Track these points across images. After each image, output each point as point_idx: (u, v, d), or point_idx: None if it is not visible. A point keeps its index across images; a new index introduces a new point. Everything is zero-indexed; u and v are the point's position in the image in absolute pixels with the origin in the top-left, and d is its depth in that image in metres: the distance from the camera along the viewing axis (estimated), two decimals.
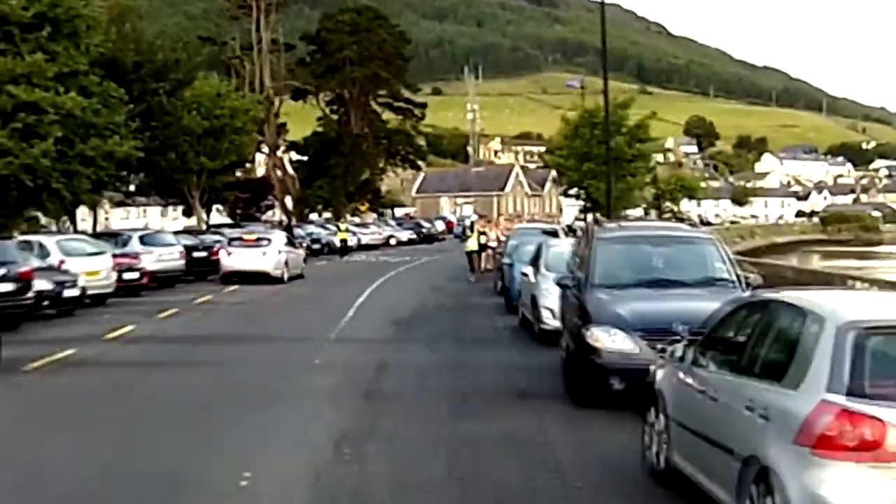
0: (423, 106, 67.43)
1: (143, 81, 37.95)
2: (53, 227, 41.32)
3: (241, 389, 12.04)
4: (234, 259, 28.76)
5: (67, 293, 20.54)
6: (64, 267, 21.71)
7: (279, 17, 64.01)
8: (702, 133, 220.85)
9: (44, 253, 22.20)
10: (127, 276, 24.71)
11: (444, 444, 8.94)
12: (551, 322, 14.95)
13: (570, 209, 71.33)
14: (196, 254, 30.32)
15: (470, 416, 10.21)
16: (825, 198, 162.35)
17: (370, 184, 65.72)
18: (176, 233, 33.44)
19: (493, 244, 31.35)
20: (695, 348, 7.12)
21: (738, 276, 11.12)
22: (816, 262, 68.87)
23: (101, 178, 32.20)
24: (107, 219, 65.46)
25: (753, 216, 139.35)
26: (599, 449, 8.70)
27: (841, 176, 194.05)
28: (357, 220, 66.34)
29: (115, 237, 27.98)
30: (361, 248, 53.21)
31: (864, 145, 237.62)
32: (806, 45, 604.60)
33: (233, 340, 16.92)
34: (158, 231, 33.02)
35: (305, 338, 16.86)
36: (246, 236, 30.08)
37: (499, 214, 51.68)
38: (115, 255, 24.34)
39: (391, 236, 62.10)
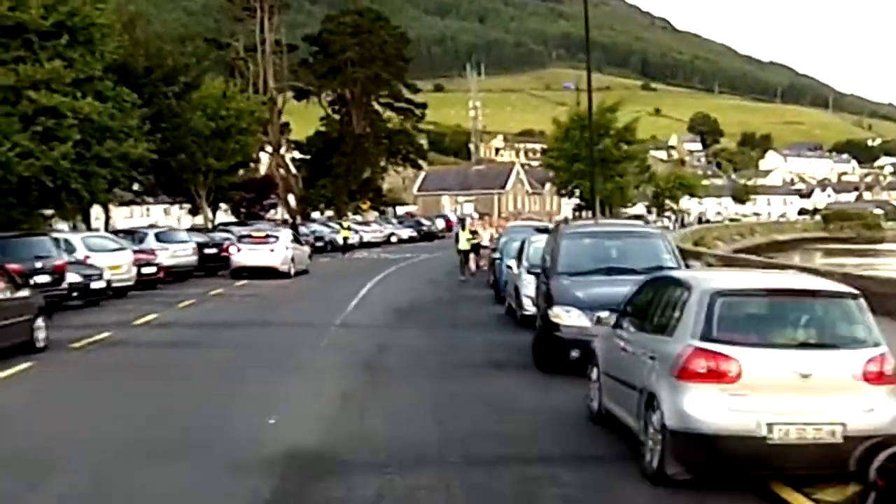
0: (424, 106, 69.75)
1: (154, 85, 40.24)
2: (62, 226, 43.61)
3: (260, 363, 14.37)
4: (243, 255, 31.14)
5: (94, 285, 22.88)
6: (89, 262, 24.04)
7: (282, 18, 66.31)
8: (706, 130, 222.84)
9: (70, 249, 24.50)
10: (145, 270, 27.05)
11: (429, 399, 11.30)
12: (531, 308, 17.21)
13: (568, 207, 73.69)
14: (207, 250, 32.67)
15: (453, 381, 12.56)
16: (829, 195, 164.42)
17: (372, 183, 68.14)
18: (188, 230, 35.80)
19: (486, 243, 31.99)
20: (618, 316, 9.46)
21: (680, 264, 13.45)
22: (818, 261, 70.83)
23: (117, 179, 34.52)
24: (109, 218, 67.70)
25: (756, 214, 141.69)
26: (555, 403, 11.02)
27: (845, 173, 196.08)
28: (359, 218, 68.74)
29: (131, 234, 30.31)
30: (363, 245, 55.62)
31: (869, 142, 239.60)
32: (813, 40, 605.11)
33: (248, 326, 19.26)
34: (172, 229, 35.33)
35: (313, 324, 19.20)
36: (255, 234, 32.49)
37: (492, 214, 53.77)
38: (133, 251, 26.72)
39: (392, 234, 64.58)
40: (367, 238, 57.93)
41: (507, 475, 8.00)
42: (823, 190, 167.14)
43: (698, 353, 7.33)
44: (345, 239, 50.21)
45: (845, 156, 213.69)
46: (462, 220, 35.54)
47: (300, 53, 68.49)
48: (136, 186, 47.76)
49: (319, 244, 48.14)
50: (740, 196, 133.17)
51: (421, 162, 76.29)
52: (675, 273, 8.64)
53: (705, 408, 7.25)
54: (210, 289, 27.25)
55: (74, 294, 22.05)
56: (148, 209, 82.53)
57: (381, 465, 8.24)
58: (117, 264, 25.00)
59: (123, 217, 75.75)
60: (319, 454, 8.70)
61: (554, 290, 12.88)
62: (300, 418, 10.21)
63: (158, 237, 30.06)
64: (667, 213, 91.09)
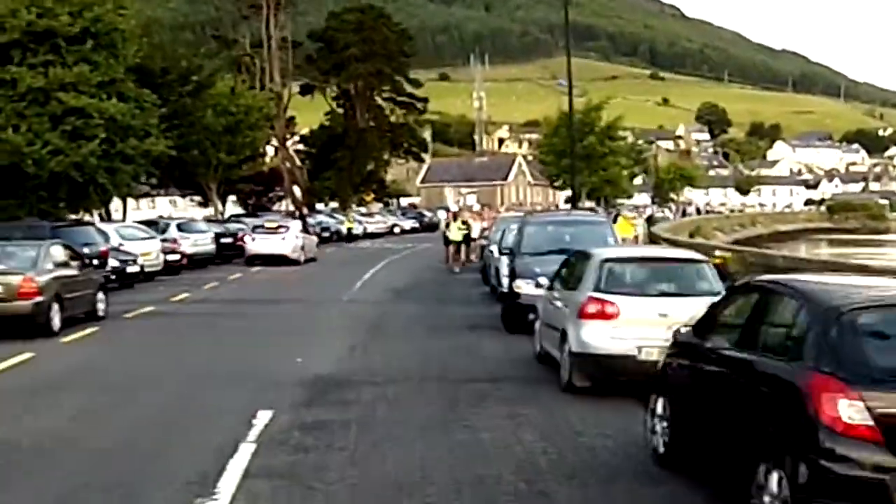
0: (426, 100, 73.64)
1: (169, 85, 44.11)
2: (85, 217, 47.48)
3: (284, 327, 18.24)
4: (257, 244, 35.05)
5: (130, 269, 26.74)
6: (123, 249, 27.89)
7: (288, 15, 70.06)
8: (714, 120, 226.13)
9: (105, 237, 28.34)
10: (170, 257, 30.92)
11: (416, 348, 15.21)
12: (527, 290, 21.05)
13: (562, 198, 77.59)
14: (223, 240, 36.54)
15: (436, 338, 16.43)
16: (836, 186, 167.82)
17: (375, 175, 72.13)
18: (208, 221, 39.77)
19: (476, 235, 34.08)
20: (551, 281, 13.32)
21: (617, 243, 17.28)
22: (823, 250, 74.11)
23: (139, 174, 38.44)
24: (116, 210, 71.66)
25: (762, 204, 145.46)
26: (512, 351, 14.86)
27: (854, 163, 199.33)
28: (363, 209, 72.79)
29: (154, 225, 34.17)
30: (367, 235, 59.63)
31: (881, 132, 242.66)
32: (826, 27, 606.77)
33: (268, 302, 23.15)
34: (192, 219, 39.20)
35: (324, 300, 23.09)
36: (267, 224, 36.40)
37: (490, 206, 57.50)
38: (159, 240, 30.58)
39: (395, 225, 68.67)
40: (370, 229, 61.92)
41: (467, 387, 11.88)
42: (831, 180, 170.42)
43: (592, 300, 11.17)
44: (349, 229, 54.12)
45: (855, 146, 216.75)
46: (452, 212, 37.54)
47: (305, 49, 72.22)
48: (152, 180, 51.80)
49: (325, 234, 52.02)
50: (744, 187, 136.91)
51: (423, 155, 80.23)
52: (587, 248, 12.48)
53: (596, 337, 11.07)
54: (229, 274, 31.17)
55: (113, 277, 25.88)
56: (153, 201, 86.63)
57: (378, 383, 12.14)
58: (147, 251, 28.87)
59: (132, 209, 79.69)
60: (335, 377, 12.59)
61: (517, 267, 16.75)
62: (320, 359, 14.06)
63: (180, 227, 33.98)
64: (667, 204, 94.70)
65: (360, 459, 8.51)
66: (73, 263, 18.44)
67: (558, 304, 12.45)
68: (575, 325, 11.33)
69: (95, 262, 23.72)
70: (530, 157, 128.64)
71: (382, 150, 71.18)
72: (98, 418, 10.63)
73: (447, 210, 44.48)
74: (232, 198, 62.52)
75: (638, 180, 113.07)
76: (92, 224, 28.32)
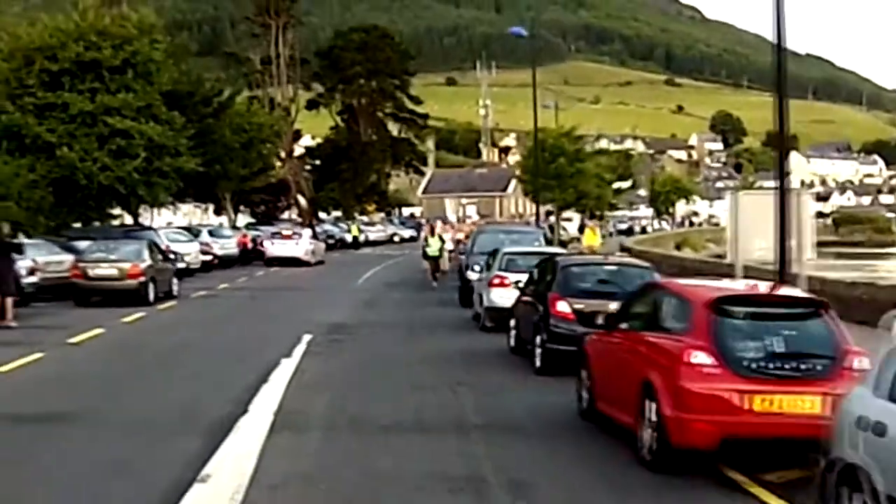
0: (426, 116, 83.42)
1: (195, 107, 53.51)
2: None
3: (307, 302, 27.71)
4: (275, 248, 44.53)
5: (178, 265, 36.08)
6: (171, 249, 37.25)
7: (295, 34, 79.65)
8: (728, 129, 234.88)
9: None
10: (204, 258, 40.31)
11: (401, 314, 24.75)
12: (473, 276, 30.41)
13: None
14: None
15: (416, 310, 25.88)
16: (849, 198, 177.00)
17: (377, 186, 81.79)
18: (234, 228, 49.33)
19: (450, 246, 38.16)
20: (482, 268, 22.77)
21: (542, 246, 26.61)
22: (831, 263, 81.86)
23: (171, 188, 47.91)
24: (153, 218, 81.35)
25: None
26: (461, 316, 24.20)
27: (870, 175, 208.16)
28: (365, 219, 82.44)
29: (188, 230, 43.58)
30: (368, 243, 69.14)
31: None
32: (854, 31, 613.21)
33: (292, 289, 32.61)
34: (221, 226, 48.66)
35: (334, 289, 32.60)
36: (283, 232, 45.90)
37: (462, 220, 66.89)
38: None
39: (395, 234, 78.29)
40: (372, 237, 71.48)
41: (425, 329, 21.26)
42: (843, 193, 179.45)
43: (496, 276, 20.51)
44: (355, 237, 63.73)
45: (873, 157, 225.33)
46: (430, 226, 42.32)
47: (312, 66, 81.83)
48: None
49: (330, 241, 61.51)
50: None
51: (423, 168, 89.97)
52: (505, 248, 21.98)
53: (497, 297, 20.39)
54: (254, 272, 40.70)
55: None
56: (159, 211, 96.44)
57: (370, 326, 21.57)
58: (189, 252, 38.25)
59: (155, 216, 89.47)
60: (344, 324, 22.07)
61: (469, 261, 26.14)
62: (334, 316, 23.44)
63: (211, 233, 43.47)
64: (664, 217, 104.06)
65: (359, 348, 18.03)
66: (159, 257, 27.85)
67: (482, 280, 21.83)
68: (486, 290, 20.69)
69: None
70: None
71: (384, 163, 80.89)
72: (203, 340, 20.03)
73: (428, 222, 49.89)
74: (243, 207, 72.03)
75: (643, 191, 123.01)
76: (152, 228, 37.70)
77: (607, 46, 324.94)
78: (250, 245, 46.39)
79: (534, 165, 48.74)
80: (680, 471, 9.18)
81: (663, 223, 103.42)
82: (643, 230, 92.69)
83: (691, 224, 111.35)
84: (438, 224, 44.56)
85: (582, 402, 11.82)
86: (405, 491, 8.73)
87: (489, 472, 9.38)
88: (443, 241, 36.97)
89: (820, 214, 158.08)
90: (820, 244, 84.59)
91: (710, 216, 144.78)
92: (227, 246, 43.69)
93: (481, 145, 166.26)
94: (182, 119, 48.62)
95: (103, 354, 17.79)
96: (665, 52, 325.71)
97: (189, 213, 76.18)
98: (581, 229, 41.43)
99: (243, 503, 8.12)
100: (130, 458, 9.81)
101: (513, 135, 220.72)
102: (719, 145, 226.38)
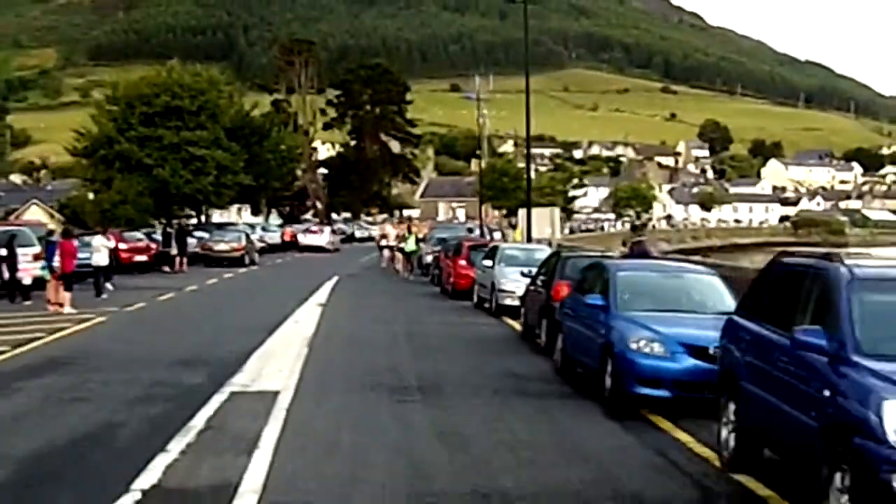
0: (419, 137, 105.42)
1: (245, 137, 75.40)
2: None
3: (331, 268, 49.43)
4: (306, 239, 66.42)
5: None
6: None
7: (314, 69, 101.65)
8: (716, 137, 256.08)
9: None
10: (259, 245, 62.02)
11: (379, 284, 46.63)
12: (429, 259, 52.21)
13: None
14: (285, 238, 67.98)
15: (390, 287, 47.71)
16: (818, 203, 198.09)
17: (379, 194, 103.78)
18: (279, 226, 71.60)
19: (393, 243, 49.41)
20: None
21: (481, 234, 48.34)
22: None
23: (233, 197, 69.86)
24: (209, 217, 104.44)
25: (737, 220, 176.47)
26: (444, 301, 46.04)
27: (845, 182, 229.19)
28: (370, 219, 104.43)
29: (251, 227, 65.37)
30: (371, 238, 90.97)
31: (885, 150, 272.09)
32: (854, 38, 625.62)
33: (322, 261, 54.43)
34: (268, 223, 70.61)
35: (348, 263, 54.41)
36: (312, 228, 67.73)
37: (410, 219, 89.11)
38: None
39: None
40: (374, 234, 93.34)
41: (420, 301, 42.81)
42: (812, 198, 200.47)
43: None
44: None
45: (851, 164, 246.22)
46: (407, 226, 51.82)
47: (327, 95, 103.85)
48: None
49: (343, 236, 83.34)
50: (707, 204, 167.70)
51: (416, 178, 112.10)
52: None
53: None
54: (293, 254, 62.51)
55: None
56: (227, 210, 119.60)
57: (370, 275, 43.56)
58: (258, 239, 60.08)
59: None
60: (354, 273, 44.20)
61: (424, 250, 48.00)
62: (348, 271, 45.33)
63: (263, 228, 65.34)
64: (625, 219, 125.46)
65: (363, 281, 40.28)
66: (249, 239, 49.73)
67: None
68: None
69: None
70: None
71: (385, 174, 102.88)
72: (277, 280, 41.95)
73: (400, 222, 70.94)
74: (273, 210, 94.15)
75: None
76: (235, 224, 59.61)
77: (607, 54, 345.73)
78: (289, 238, 68.29)
79: (478, 183, 70.57)
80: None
81: (626, 224, 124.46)
82: (601, 229, 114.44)
83: (644, 226, 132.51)
84: (387, 226, 57.16)
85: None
86: (383, 312, 30.50)
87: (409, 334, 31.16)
88: (418, 239, 47.32)
89: (784, 218, 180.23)
90: (778, 244, 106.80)
91: (685, 219, 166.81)
92: (274, 238, 65.62)
93: (479, 153, 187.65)
94: (238, 147, 70.45)
95: (222, 290, 38.61)
96: (663, 60, 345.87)
97: (233, 212, 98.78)
98: (515, 227, 62.76)
99: (316, 331, 28.29)
100: (251, 322, 31.42)
101: (510, 141, 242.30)
102: (706, 152, 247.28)
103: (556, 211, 41.41)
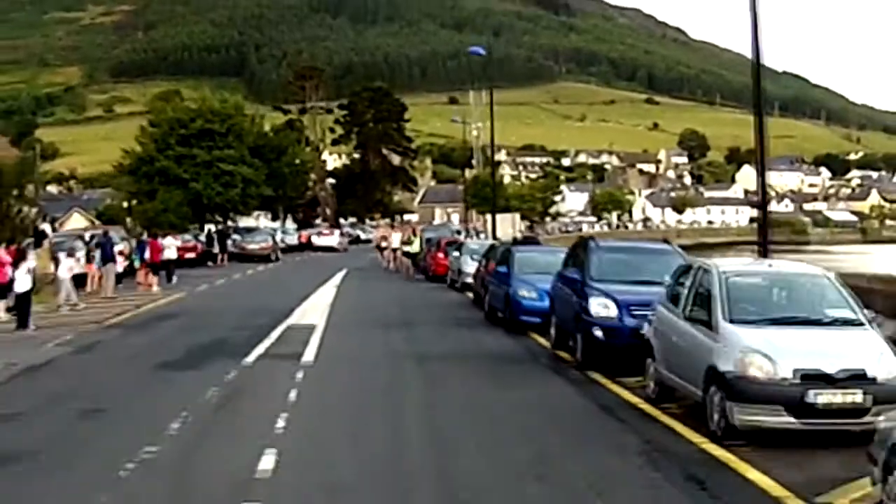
0: (417, 150, 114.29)
1: (266, 154, 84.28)
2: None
3: (341, 263, 58.36)
4: (319, 240, 75.24)
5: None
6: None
7: (323, 91, 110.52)
8: (694, 145, 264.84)
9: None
10: (281, 245, 70.93)
11: (378, 277, 55.63)
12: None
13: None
14: (301, 239, 76.92)
15: (388, 276, 56.64)
16: (786, 206, 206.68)
17: (381, 202, 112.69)
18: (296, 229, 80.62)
19: (396, 245, 52.63)
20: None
21: (456, 237, 57.27)
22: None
23: (257, 206, 78.79)
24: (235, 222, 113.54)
25: (710, 222, 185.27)
26: (426, 284, 54.96)
27: (813, 185, 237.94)
28: (373, 223, 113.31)
29: (273, 229, 74.29)
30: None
31: (853, 155, 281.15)
32: (829, 49, 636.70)
33: (333, 258, 63.31)
34: (288, 227, 79.50)
35: (355, 261, 63.27)
36: (324, 231, 76.62)
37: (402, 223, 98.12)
38: None
39: None
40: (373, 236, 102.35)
41: (408, 284, 51.75)
42: (781, 201, 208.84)
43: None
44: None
45: (820, 168, 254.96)
46: (411, 229, 56.07)
47: (335, 114, 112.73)
48: None
49: (349, 238, 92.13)
50: (679, 206, 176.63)
51: (414, 188, 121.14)
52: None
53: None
54: (308, 253, 71.39)
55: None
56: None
57: (375, 270, 52.41)
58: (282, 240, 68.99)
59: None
60: (362, 267, 53.00)
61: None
62: (355, 266, 54.24)
63: (283, 231, 74.25)
64: (603, 221, 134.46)
65: (368, 273, 48.93)
66: (275, 240, 58.66)
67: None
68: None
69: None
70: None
71: (386, 184, 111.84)
72: (298, 273, 50.75)
73: (392, 226, 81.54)
74: (289, 215, 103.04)
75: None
76: (258, 228, 68.50)
77: (595, 68, 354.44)
78: (304, 240, 77.20)
79: (464, 192, 79.49)
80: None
81: (604, 226, 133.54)
82: (579, 230, 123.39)
83: (617, 226, 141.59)
84: (387, 229, 71.17)
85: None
86: (378, 289, 39.40)
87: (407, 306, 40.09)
88: (422, 241, 49.62)
89: (753, 220, 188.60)
90: (744, 243, 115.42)
91: (662, 221, 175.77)
92: (292, 240, 74.55)
93: (473, 162, 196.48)
94: (260, 163, 79.32)
95: (259, 278, 47.60)
96: (647, 73, 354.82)
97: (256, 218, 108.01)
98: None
99: (333, 301, 37.02)
100: (288, 295, 40.27)
101: (503, 151, 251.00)
102: (685, 159, 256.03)
103: (517, 216, 50.32)
